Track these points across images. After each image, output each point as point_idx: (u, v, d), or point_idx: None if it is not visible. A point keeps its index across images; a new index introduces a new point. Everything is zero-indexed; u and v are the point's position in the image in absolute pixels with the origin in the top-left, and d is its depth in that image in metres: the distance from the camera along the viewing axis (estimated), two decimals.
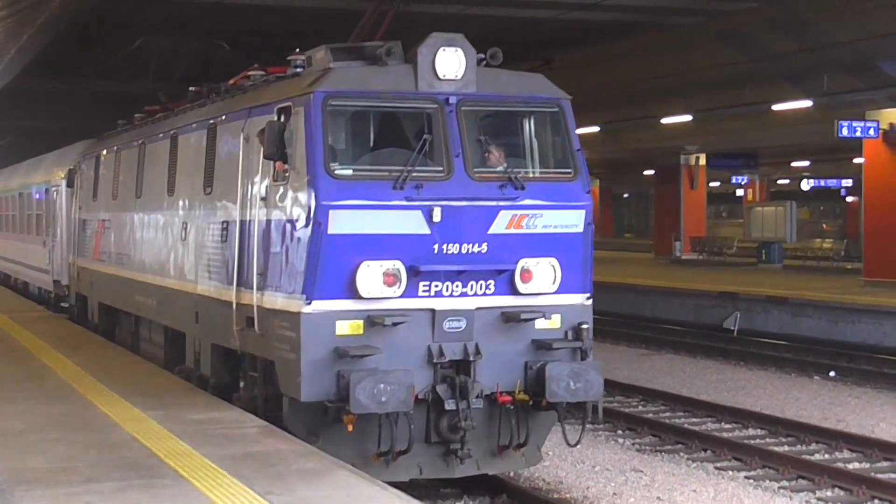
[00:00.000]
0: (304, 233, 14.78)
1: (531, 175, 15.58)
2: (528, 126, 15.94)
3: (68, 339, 24.43)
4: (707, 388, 27.71)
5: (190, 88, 21.44)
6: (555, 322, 15.63)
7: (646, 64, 42.19)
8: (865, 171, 41.84)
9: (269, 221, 15.72)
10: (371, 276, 14.75)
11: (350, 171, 14.88)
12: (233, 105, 17.56)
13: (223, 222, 17.30)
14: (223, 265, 17.21)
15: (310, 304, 14.66)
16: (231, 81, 18.91)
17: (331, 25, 23.94)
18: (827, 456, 20.23)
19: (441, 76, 15.23)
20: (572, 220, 15.58)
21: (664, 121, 46.78)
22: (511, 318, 15.38)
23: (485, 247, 15.16)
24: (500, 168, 15.41)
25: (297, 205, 15.00)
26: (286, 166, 15.27)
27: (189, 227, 18.90)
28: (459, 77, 15.27)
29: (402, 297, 14.92)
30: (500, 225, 15.20)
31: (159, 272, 20.38)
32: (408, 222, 14.88)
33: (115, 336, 24.93)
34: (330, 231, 14.57)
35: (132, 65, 35.25)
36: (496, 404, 15.40)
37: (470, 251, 15.10)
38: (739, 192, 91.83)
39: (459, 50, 15.26)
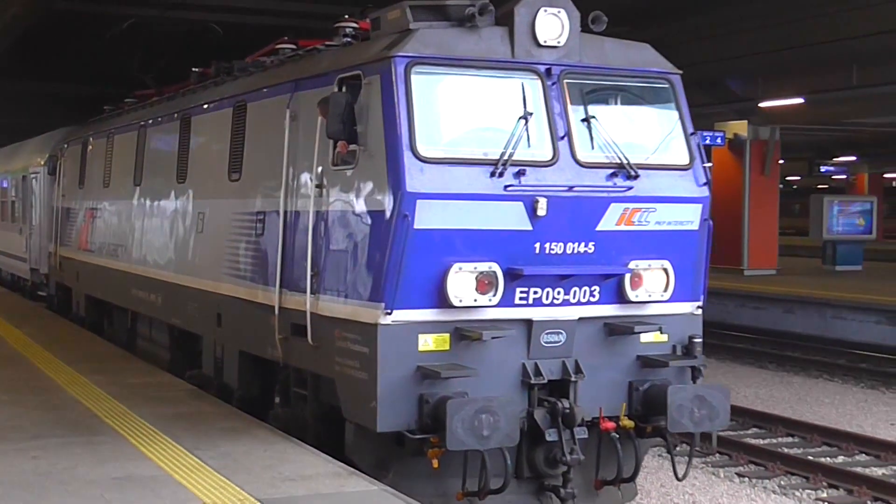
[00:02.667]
0: (382, 227, 9.77)
1: (642, 162, 10.42)
2: (636, 104, 10.84)
3: (18, 310, 22.50)
4: None
5: (193, 69, 16.05)
6: (661, 335, 10.57)
7: None
8: (713, 175, 38.25)
9: (327, 213, 10.61)
10: (463, 281, 9.83)
11: (441, 153, 9.71)
12: (270, 78, 12.28)
13: (257, 213, 12.03)
14: (258, 262, 11.95)
15: (390, 313, 9.62)
16: (255, 56, 13.59)
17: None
18: None
19: (542, 42, 10.25)
20: (687, 216, 10.64)
21: None
22: (616, 331, 10.46)
23: (591, 246, 10.21)
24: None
25: (370, 193, 9.99)
26: (352, 147, 10.13)
27: (207, 218, 13.56)
28: (562, 44, 10.35)
29: (497, 305, 9.84)
30: (609, 220, 10.27)
31: (166, 266, 15.01)
32: (506, 216, 9.92)
33: (105, 331, 19.38)
34: (417, 225, 9.58)
35: (96, 63, 29.88)
36: (597, 432, 10.31)
37: (575, 251, 10.17)
38: None
39: (563, 11, 10.33)
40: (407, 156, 9.54)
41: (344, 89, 10.31)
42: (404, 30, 10.04)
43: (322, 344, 10.54)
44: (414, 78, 9.74)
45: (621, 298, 10.39)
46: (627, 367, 10.53)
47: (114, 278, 17.54)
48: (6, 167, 29.57)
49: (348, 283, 10.12)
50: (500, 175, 9.75)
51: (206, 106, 14.03)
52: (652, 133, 10.70)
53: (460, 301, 9.71)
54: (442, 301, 9.72)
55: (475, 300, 9.77)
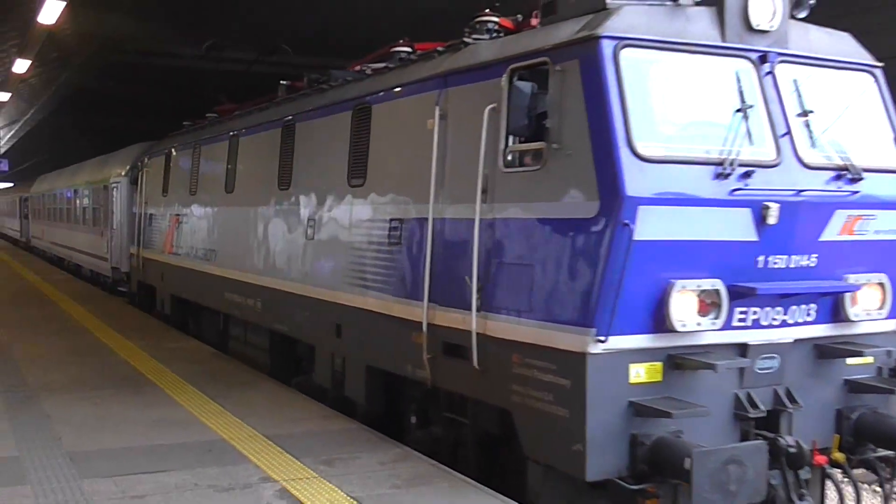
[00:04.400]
0: (589, 238, 6.28)
1: (860, 164, 7.03)
2: (842, 99, 7.30)
3: (80, 292, 21.16)
4: None
5: (281, 82, 12.51)
6: (867, 357, 7.21)
7: None
8: None
9: (495, 221, 7.11)
10: (686, 302, 6.33)
11: (662, 151, 6.27)
12: (405, 77, 8.71)
13: (391, 220, 8.52)
14: (393, 273, 8.44)
15: (605, 340, 6.11)
16: (363, 61, 10.13)
17: None
18: None
19: (754, 26, 6.78)
20: None
21: None
22: (830, 353, 7.01)
23: (814, 259, 6.80)
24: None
25: (568, 198, 6.48)
26: (534, 145, 6.65)
27: (319, 225, 9.99)
28: (774, 28, 6.87)
29: (721, 329, 6.42)
30: (832, 229, 6.84)
31: (267, 272, 11.37)
32: (731, 225, 6.43)
33: (190, 328, 15.51)
34: (638, 236, 6.02)
35: (143, 101, 27.92)
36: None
37: (798, 265, 6.73)
38: None
39: None
40: (624, 153, 6.11)
41: (515, 80, 6.94)
42: (600, 9, 6.62)
43: (490, 369, 7.10)
44: (624, 62, 6.32)
45: (837, 317, 7.03)
46: (836, 394, 7.15)
47: (204, 281, 13.79)
48: (87, 179, 25.54)
49: (535, 302, 6.68)
50: (726, 177, 6.38)
51: (313, 111, 10.45)
52: (860, 131, 7.26)
53: (683, 325, 6.31)
54: (658, 325, 6.30)
55: (698, 324, 6.41)
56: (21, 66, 22.27)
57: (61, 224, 30.28)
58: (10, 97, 29.97)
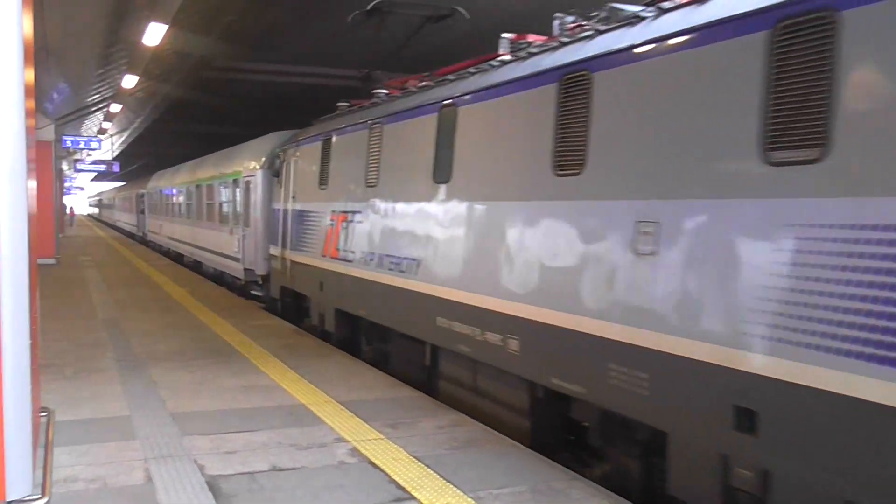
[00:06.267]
0: None
1: None
2: None
3: (179, 276, 20.24)
4: None
5: (502, 35, 7.74)
6: None
7: None
8: None
9: None
10: None
11: None
12: None
13: None
14: None
15: None
16: None
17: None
18: None
19: None
20: None
21: None
22: None
23: None
24: None
25: None
26: None
27: (668, 230, 5.04)
28: None
29: None
30: None
31: (536, 299, 6.40)
32: None
33: (364, 352, 10.47)
34: None
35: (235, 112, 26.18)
36: None
37: None
38: None
39: None
40: None
41: None
42: None
43: None
44: None
45: None
46: None
47: (397, 299, 8.91)
48: (213, 173, 20.56)
49: None
50: None
51: (635, 54, 5.48)
52: None
53: None
54: None
55: None
56: (129, 81, 21.55)
57: (182, 220, 25.17)
58: (121, 108, 29.21)
